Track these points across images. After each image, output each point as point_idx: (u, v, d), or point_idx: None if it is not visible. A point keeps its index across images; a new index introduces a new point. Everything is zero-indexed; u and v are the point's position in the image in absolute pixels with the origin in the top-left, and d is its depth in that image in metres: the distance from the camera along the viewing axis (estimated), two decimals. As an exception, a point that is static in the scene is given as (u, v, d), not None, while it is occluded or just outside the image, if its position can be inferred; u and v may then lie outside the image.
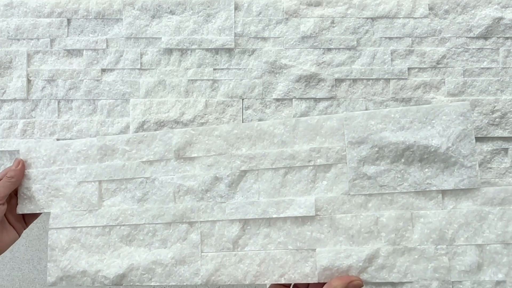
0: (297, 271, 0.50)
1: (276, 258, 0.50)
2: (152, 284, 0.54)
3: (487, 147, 0.86)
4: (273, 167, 0.52)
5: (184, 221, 0.54)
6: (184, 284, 0.53)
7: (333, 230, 0.49)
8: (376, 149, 0.49)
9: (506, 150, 0.86)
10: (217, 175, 0.53)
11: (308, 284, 0.51)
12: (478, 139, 0.87)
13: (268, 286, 0.53)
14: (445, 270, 0.47)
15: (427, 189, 0.47)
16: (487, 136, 0.86)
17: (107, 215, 0.56)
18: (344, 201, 0.49)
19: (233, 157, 0.53)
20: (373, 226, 0.48)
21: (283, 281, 0.49)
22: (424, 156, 0.48)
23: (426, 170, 0.48)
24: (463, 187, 0.47)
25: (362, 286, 0.47)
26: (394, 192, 0.48)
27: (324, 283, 0.49)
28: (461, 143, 0.47)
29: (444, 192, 0.48)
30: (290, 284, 0.52)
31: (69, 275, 0.55)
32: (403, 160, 0.48)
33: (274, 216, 0.51)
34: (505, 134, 0.86)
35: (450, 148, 0.47)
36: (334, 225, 0.49)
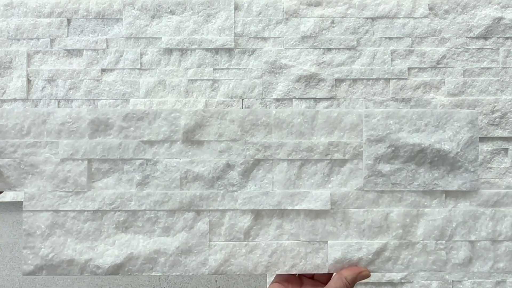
0: (308, 262, 0.50)
1: (288, 249, 0.50)
2: (153, 274, 0.51)
3: (487, 147, 0.86)
4: (289, 158, 0.50)
5: (191, 209, 0.50)
6: (190, 274, 0.50)
7: (345, 223, 0.50)
8: (393, 148, 0.50)
9: (506, 150, 0.86)
10: (229, 162, 0.50)
11: (313, 274, 0.52)
12: (478, 139, 0.87)
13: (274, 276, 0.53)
14: (442, 263, 0.50)
15: (434, 189, 0.50)
16: (487, 136, 0.86)
17: (99, 199, 0.50)
18: (358, 196, 0.50)
19: (248, 144, 0.50)
20: (383, 221, 0.50)
21: (294, 272, 0.50)
22: (434, 158, 0.50)
23: (434, 171, 0.50)
24: (464, 189, 0.50)
25: (370, 276, 0.49)
26: (404, 190, 0.50)
27: (330, 274, 0.50)
28: (467, 149, 0.50)
29: (447, 193, 0.50)
30: (295, 274, 0.52)
31: (52, 264, 0.49)
32: (415, 161, 0.50)
33: (289, 208, 0.50)
34: (505, 134, 0.86)
35: (458, 153, 0.50)
36: (346, 219, 0.50)
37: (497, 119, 0.86)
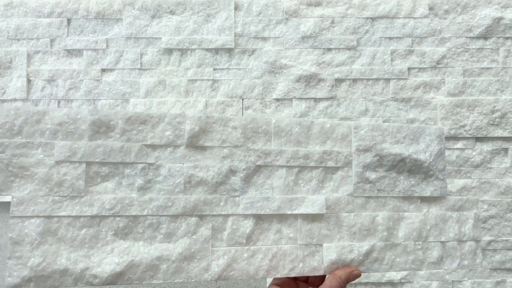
0: (306, 265, 0.52)
1: (287, 253, 0.51)
2: (154, 282, 0.49)
3: (487, 147, 0.86)
4: (288, 165, 0.52)
5: (194, 214, 0.50)
6: (192, 281, 0.50)
7: (338, 227, 0.53)
8: (378, 157, 0.55)
9: (506, 150, 0.86)
10: (232, 168, 0.51)
11: (308, 276, 0.55)
12: (478, 139, 0.87)
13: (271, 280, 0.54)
14: (419, 262, 0.55)
15: (411, 195, 0.56)
16: (487, 136, 0.86)
17: (97, 204, 0.48)
18: (349, 202, 0.54)
19: (249, 150, 0.51)
20: (370, 224, 0.54)
21: (292, 275, 0.51)
22: (412, 167, 0.55)
23: (411, 179, 0.56)
24: (436, 195, 0.56)
25: (360, 275, 0.53)
26: (387, 196, 0.55)
27: (323, 276, 0.53)
28: (437, 159, 0.56)
29: (422, 198, 0.56)
30: (291, 277, 0.54)
31: (42, 274, 0.45)
32: (396, 169, 0.55)
33: (288, 212, 0.52)
34: (505, 134, 0.86)
35: (431, 163, 0.56)
36: (339, 223, 0.53)
37: (497, 119, 0.86)
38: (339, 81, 0.86)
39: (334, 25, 0.86)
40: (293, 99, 0.86)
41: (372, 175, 0.54)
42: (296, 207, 0.52)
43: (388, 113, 0.86)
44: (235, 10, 0.86)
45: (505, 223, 0.86)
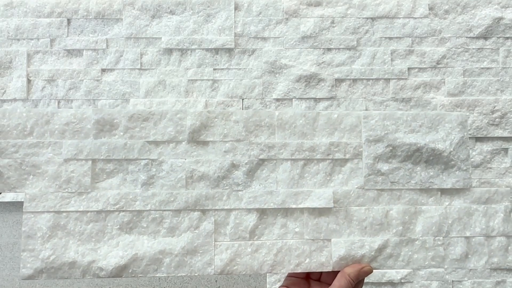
0: (313, 260, 0.51)
1: (293, 248, 0.51)
2: (158, 275, 0.50)
3: (487, 147, 0.86)
4: (293, 158, 0.51)
5: (197, 208, 0.50)
6: (196, 275, 0.50)
7: (348, 221, 0.51)
8: (390, 148, 0.52)
9: (506, 150, 0.86)
10: (234, 162, 0.51)
11: (321, 272, 0.53)
12: (478, 139, 0.87)
13: (285, 275, 0.54)
14: (440, 258, 0.52)
15: (430, 187, 0.53)
16: (487, 136, 0.86)
17: (103, 199, 0.49)
18: (359, 195, 0.52)
19: (252, 144, 0.51)
20: (383, 218, 0.52)
21: (299, 270, 0.50)
22: (430, 158, 0.53)
23: (430, 170, 0.52)
24: (458, 187, 0.53)
25: (372, 271, 0.51)
26: (403, 189, 0.52)
27: (336, 271, 0.51)
28: (459, 149, 0.53)
29: (442, 191, 0.53)
30: (303, 277, 0.53)
31: (52, 266, 0.48)
32: (412, 160, 0.52)
33: (293, 206, 0.51)
34: (505, 134, 0.86)
35: (451, 153, 0.53)
36: (348, 217, 0.52)
37: (497, 119, 0.86)
38: (339, 81, 0.86)
39: (334, 25, 0.86)
40: (293, 99, 0.86)
41: (385, 167, 0.52)
42: (301, 201, 0.51)
43: (388, 113, 0.86)
44: (235, 10, 0.86)
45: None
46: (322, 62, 0.86)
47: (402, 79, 0.86)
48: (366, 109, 0.86)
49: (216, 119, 0.51)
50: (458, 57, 0.86)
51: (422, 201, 0.52)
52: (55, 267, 0.48)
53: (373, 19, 0.86)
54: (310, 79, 0.86)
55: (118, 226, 0.50)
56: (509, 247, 0.52)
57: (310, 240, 0.51)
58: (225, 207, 0.50)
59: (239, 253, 0.50)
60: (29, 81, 0.86)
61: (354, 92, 0.86)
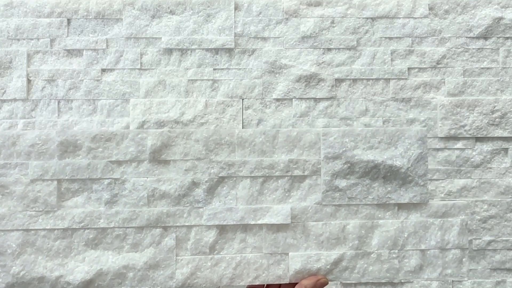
0: (271, 273, 0.53)
1: (251, 262, 0.53)
2: None
3: (487, 147, 0.86)
4: (252, 175, 0.54)
5: (158, 225, 0.53)
6: None
7: (305, 236, 0.54)
8: (349, 165, 0.55)
9: (506, 150, 0.86)
10: (195, 180, 0.54)
11: (280, 284, 0.56)
12: (478, 139, 0.87)
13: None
14: (395, 270, 0.55)
15: (387, 202, 0.55)
16: (487, 136, 0.86)
17: (69, 217, 0.52)
18: (317, 210, 0.55)
19: (212, 162, 0.54)
20: (340, 233, 0.55)
21: (257, 283, 0.53)
22: (387, 174, 0.56)
23: (387, 185, 0.55)
24: (415, 202, 0.56)
25: (328, 283, 0.53)
26: (360, 204, 0.55)
27: (295, 283, 0.54)
28: (417, 164, 0.56)
29: (399, 205, 0.56)
30: (264, 284, 0.56)
31: (23, 281, 0.50)
32: (369, 176, 0.55)
33: (252, 222, 0.54)
34: (505, 134, 0.86)
35: (409, 169, 0.55)
36: (306, 232, 0.54)
37: (497, 119, 0.86)
38: (339, 81, 0.86)
39: (334, 25, 0.86)
40: (293, 99, 0.86)
41: (343, 183, 0.55)
42: (260, 217, 0.54)
43: (388, 113, 0.86)
44: (235, 10, 0.86)
45: (505, 223, 0.86)
46: (322, 62, 0.86)
47: (402, 79, 0.87)
48: (366, 109, 0.86)
49: (176, 138, 0.55)
50: (458, 57, 0.87)
51: (379, 216, 0.55)
52: (25, 282, 0.50)
53: (373, 19, 0.86)
54: (310, 79, 0.86)
55: (84, 243, 0.52)
56: (463, 259, 0.55)
57: (268, 254, 0.54)
58: (186, 224, 0.53)
59: (199, 267, 0.53)
60: (29, 81, 0.86)
61: (354, 92, 0.86)
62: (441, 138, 0.87)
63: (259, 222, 0.54)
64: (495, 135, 0.86)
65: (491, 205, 0.86)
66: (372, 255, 0.55)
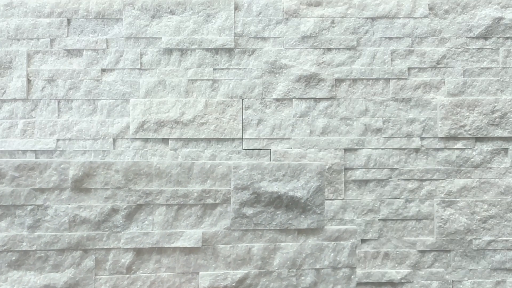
0: None
1: (165, 280, 0.60)
2: None
3: (487, 147, 0.86)
4: (168, 203, 0.61)
5: (79, 248, 0.58)
6: None
7: (214, 257, 0.62)
8: (255, 195, 0.63)
9: (506, 150, 0.86)
10: (114, 207, 0.59)
11: None
12: (478, 139, 0.87)
13: None
14: (293, 287, 0.64)
15: (288, 228, 0.64)
16: (487, 136, 0.86)
17: None
18: (226, 235, 0.63)
19: (131, 191, 0.60)
20: (246, 254, 0.63)
21: None
22: (289, 203, 0.64)
23: (289, 213, 0.64)
24: (313, 227, 0.64)
25: None
26: (264, 229, 0.64)
27: None
28: (316, 195, 0.64)
29: (299, 230, 0.64)
30: None
31: None
32: (274, 205, 0.64)
33: (166, 246, 0.61)
34: (505, 134, 0.86)
35: (308, 199, 0.64)
36: (215, 254, 0.62)
37: (497, 119, 0.86)
38: (339, 81, 0.86)
39: (334, 25, 0.86)
40: (293, 99, 0.86)
41: (249, 211, 0.63)
42: (174, 241, 0.61)
43: (388, 113, 0.86)
44: (235, 10, 0.86)
45: (505, 223, 0.86)
46: (322, 62, 0.86)
47: (402, 79, 0.87)
48: (366, 109, 0.86)
49: (98, 169, 0.59)
50: (458, 57, 0.87)
51: (281, 239, 0.64)
52: None
53: (373, 19, 0.86)
54: (310, 79, 0.86)
55: (7, 264, 0.56)
56: (352, 276, 0.65)
57: (180, 274, 0.61)
58: (105, 247, 0.59)
59: (117, 286, 0.58)
60: (29, 81, 0.86)
61: (354, 92, 0.86)
62: (441, 138, 0.87)
63: (173, 245, 0.61)
64: (495, 135, 0.86)
65: (491, 205, 0.86)
66: (273, 274, 0.63)
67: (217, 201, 0.63)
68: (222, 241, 0.62)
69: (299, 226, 0.64)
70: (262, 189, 0.63)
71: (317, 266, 0.64)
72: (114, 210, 0.59)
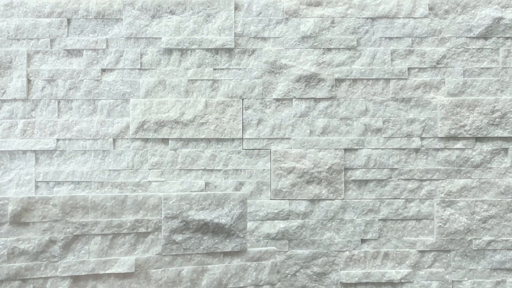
0: None
1: None
2: None
3: (487, 147, 0.86)
4: (103, 233, 0.66)
5: (17, 278, 0.60)
6: None
7: (147, 281, 0.67)
8: (184, 223, 0.69)
9: (506, 150, 0.86)
10: (52, 239, 0.63)
11: None
12: (478, 139, 0.88)
13: None
14: None
15: (215, 251, 0.70)
16: (487, 136, 0.86)
17: None
18: (157, 260, 0.68)
19: (68, 223, 0.64)
20: (176, 277, 0.68)
21: None
22: (215, 229, 0.70)
23: (215, 238, 0.70)
24: (237, 250, 0.71)
25: None
26: (193, 253, 0.69)
27: None
28: (239, 221, 0.71)
29: (224, 253, 0.71)
30: None
31: None
32: (201, 231, 0.70)
33: (102, 272, 0.65)
34: (505, 134, 0.86)
35: (232, 225, 0.71)
36: (148, 277, 0.67)
37: (497, 119, 0.86)
38: (339, 81, 0.86)
39: (334, 25, 0.86)
40: (293, 99, 0.86)
41: (179, 237, 0.69)
42: (109, 268, 0.65)
43: (388, 113, 0.86)
44: (235, 10, 0.86)
45: (505, 223, 0.86)
46: (322, 62, 0.86)
47: (402, 79, 0.87)
48: (366, 109, 0.86)
49: (36, 204, 0.62)
50: (458, 57, 0.87)
51: (208, 262, 0.70)
52: None
53: (373, 19, 0.86)
54: (310, 79, 0.86)
55: None
56: None
57: None
58: (43, 276, 0.62)
59: None
60: (29, 81, 0.86)
61: (354, 92, 0.86)
62: (441, 138, 0.87)
63: (108, 271, 0.65)
64: (495, 135, 0.86)
65: (491, 205, 0.86)
66: None
67: (149, 230, 0.68)
68: (154, 266, 0.67)
69: (224, 249, 0.70)
70: (190, 217, 0.69)
71: (241, 285, 0.71)
72: (52, 241, 0.63)
